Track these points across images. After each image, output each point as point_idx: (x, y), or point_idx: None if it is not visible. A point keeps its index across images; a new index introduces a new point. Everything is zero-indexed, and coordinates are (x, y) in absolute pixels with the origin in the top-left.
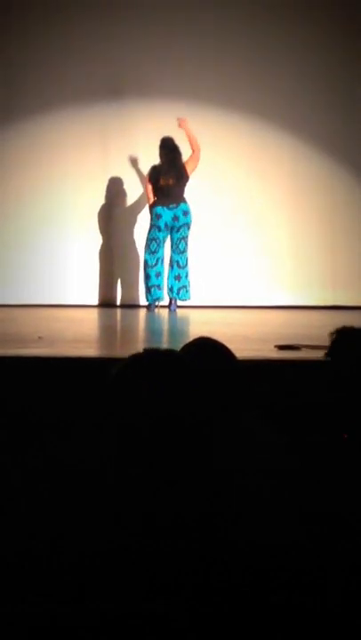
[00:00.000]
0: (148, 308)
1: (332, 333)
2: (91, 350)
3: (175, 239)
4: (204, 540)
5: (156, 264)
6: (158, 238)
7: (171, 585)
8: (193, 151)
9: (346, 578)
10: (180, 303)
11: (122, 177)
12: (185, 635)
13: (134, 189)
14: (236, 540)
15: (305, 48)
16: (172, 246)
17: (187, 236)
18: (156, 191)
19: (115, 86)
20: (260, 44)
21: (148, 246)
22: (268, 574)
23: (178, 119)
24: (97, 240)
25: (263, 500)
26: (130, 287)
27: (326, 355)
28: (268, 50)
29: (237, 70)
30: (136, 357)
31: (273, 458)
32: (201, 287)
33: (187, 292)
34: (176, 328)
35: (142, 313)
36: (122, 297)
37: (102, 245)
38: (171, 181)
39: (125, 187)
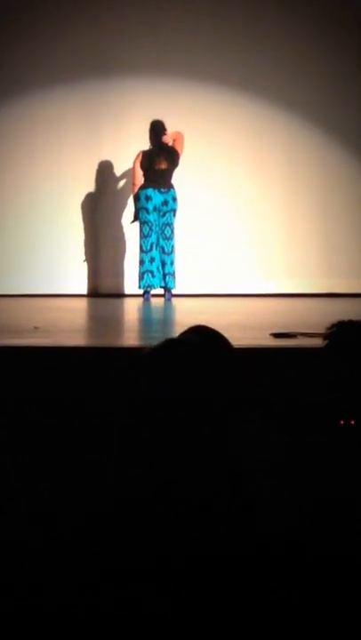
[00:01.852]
0: (144, 296)
1: (329, 327)
2: (88, 340)
3: (160, 224)
4: (204, 539)
5: (150, 249)
6: (150, 221)
7: (170, 585)
8: (175, 140)
9: (346, 577)
10: (174, 292)
11: (113, 162)
12: (185, 635)
13: (125, 179)
14: (235, 539)
15: (302, 24)
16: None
17: (172, 223)
18: (147, 175)
19: (107, 65)
20: (256, 20)
21: (140, 230)
22: (268, 573)
23: (164, 138)
24: (83, 230)
25: (263, 499)
26: (117, 276)
27: (325, 349)
28: (264, 26)
29: (232, 47)
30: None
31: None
32: (196, 276)
33: (172, 279)
34: (172, 317)
35: (136, 302)
36: (109, 286)
37: (89, 235)
38: (164, 165)
39: (116, 174)
